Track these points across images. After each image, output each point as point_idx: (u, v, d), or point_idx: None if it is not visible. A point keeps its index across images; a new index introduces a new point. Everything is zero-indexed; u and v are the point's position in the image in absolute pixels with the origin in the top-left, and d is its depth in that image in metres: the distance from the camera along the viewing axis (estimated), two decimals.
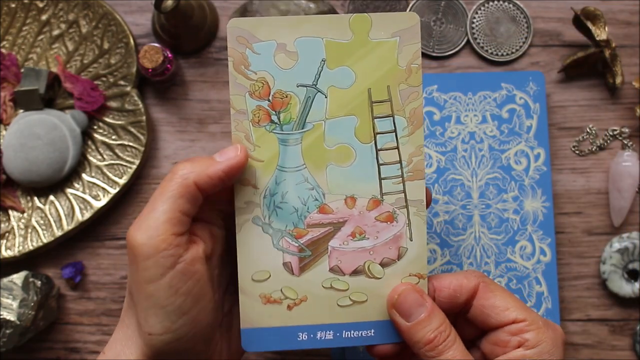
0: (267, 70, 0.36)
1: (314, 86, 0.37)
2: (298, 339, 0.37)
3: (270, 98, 0.36)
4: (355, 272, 0.37)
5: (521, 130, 0.51)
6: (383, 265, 0.37)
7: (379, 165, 0.37)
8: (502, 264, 0.50)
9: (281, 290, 0.37)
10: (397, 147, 0.37)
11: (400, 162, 0.37)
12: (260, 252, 0.37)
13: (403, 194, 0.37)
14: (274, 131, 0.37)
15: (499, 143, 0.51)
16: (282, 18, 0.36)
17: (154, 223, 0.35)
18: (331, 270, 0.37)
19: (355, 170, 0.37)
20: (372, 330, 0.37)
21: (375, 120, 0.37)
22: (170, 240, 0.35)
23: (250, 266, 0.37)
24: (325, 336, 0.37)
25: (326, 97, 0.36)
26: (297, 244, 0.37)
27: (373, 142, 0.37)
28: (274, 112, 0.37)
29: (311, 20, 0.36)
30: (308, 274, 0.37)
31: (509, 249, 0.50)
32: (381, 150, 0.37)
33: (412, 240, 0.38)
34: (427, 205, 0.38)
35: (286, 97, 0.36)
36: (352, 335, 0.37)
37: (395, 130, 0.37)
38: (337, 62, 0.36)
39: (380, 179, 0.37)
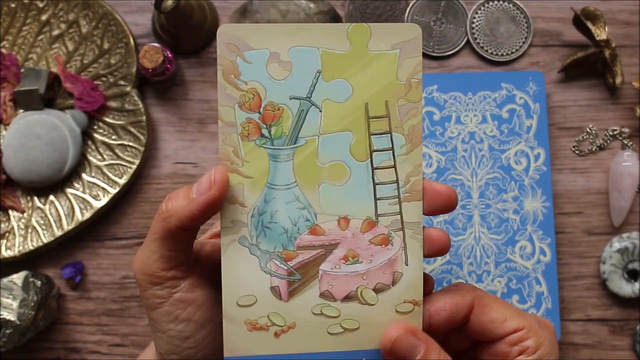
0: (259, 80, 0.34)
1: (307, 99, 0.34)
2: None
3: (261, 110, 0.34)
4: (348, 298, 0.35)
5: (521, 130, 0.51)
6: (377, 290, 0.35)
7: (374, 184, 0.35)
8: (502, 263, 0.50)
9: (268, 316, 0.35)
10: (394, 166, 0.35)
11: (397, 181, 0.35)
12: (246, 275, 0.35)
13: (399, 215, 0.35)
14: (264, 146, 0.34)
15: (499, 143, 0.51)
16: (276, 25, 0.34)
17: (146, 260, 0.36)
18: (322, 295, 0.35)
19: (349, 189, 0.35)
20: None
21: (371, 136, 0.35)
22: (162, 275, 0.35)
23: (235, 290, 0.35)
24: None
25: (320, 111, 0.34)
26: (286, 267, 0.35)
27: (369, 159, 0.35)
28: (264, 126, 0.34)
29: (307, 29, 0.34)
30: (297, 299, 0.35)
31: (509, 249, 0.50)
32: (377, 168, 0.35)
33: (407, 265, 0.35)
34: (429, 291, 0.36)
35: (278, 109, 0.34)
36: None
37: (392, 148, 0.35)
38: (334, 74, 0.34)
39: (376, 199, 0.35)
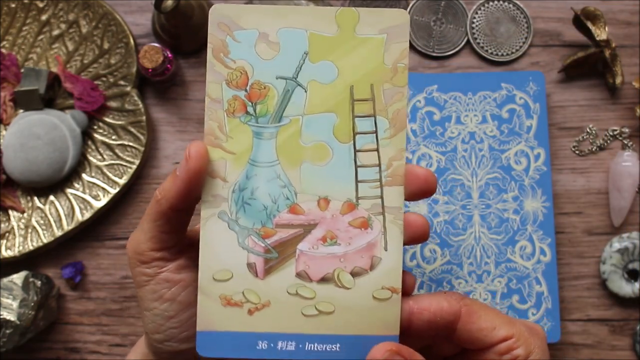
0: (247, 59, 0.35)
1: (293, 79, 0.35)
2: (257, 347, 0.35)
3: (247, 88, 0.35)
4: (324, 280, 0.35)
5: (521, 130, 0.51)
6: (354, 274, 0.35)
7: (356, 167, 0.35)
8: (502, 264, 0.50)
9: (243, 292, 0.35)
10: (377, 149, 0.35)
11: (379, 165, 0.35)
12: (223, 250, 0.35)
13: (380, 199, 0.35)
14: (249, 123, 0.35)
15: (499, 143, 0.51)
16: (267, 7, 0.35)
17: (139, 239, 0.37)
18: (297, 275, 0.35)
19: (331, 170, 0.35)
20: (338, 345, 0.35)
21: (355, 119, 0.35)
22: (151, 255, 0.37)
23: (212, 264, 0.35)
24: (286, 347, 0.35)
25: (306, 92, 0.35)
26: (263, 244, 0.35)
27: (352, 142, 0.35)
28: (250, 103, 0.35)
29: (296, 11, 0.35)
30: (273, 278, 0.35)
31: (509, 249, 0.50)
32: (360, 151, 0.35)
33: (387, 251, 0.35)
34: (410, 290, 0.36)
35: (264, 88, 0.35)
36: (315, 349, 0.35)
37: (376, 132, 0.35)
38: (320, 55, 0.34)
39: (357, 181, 0.35)
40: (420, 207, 0.50)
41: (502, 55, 0.55)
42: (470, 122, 0.51)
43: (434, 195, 0.51)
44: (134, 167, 0.53)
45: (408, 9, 0.55)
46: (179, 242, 0.37)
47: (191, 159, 0.34)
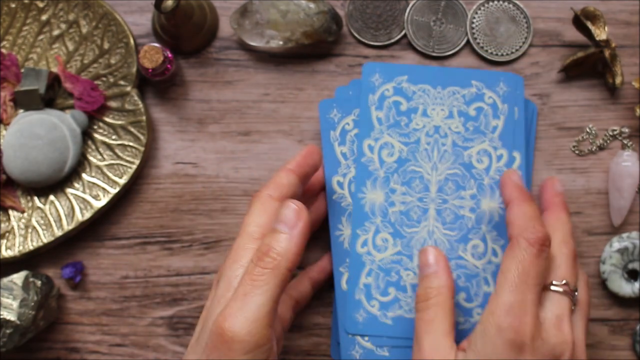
0: None
1: None
2: None
3: None
4: None
5: (486, 130, 0.50)
6: None
7: None
8: (452, 260, 0.49)
9: None
10: None
11: None
12: None
13: None
14: None
15: (463, 140, 0.50)
16: None
17: (253, 315, 0.34)
18: None
19: None
20: None
21: None
22: (268, 335, 0.34)
23: None
24: None
25: None
26: None
27: None
28: None
29: None
30: None
31: (461, 246, 0.49)
32: None
33: None
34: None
35: None
36: None
37: None
38: None
39: None
40: (377, 195, 0.50)
41: (502, 55, 0.55)
42: (436, 116, 0.50)
43: (392, 184, 0.50)
44: (134, 167, 0.53)
45: (408, 9, 0.55)
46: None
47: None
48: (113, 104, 0.54)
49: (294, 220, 0.35)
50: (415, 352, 0.41)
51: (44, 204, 0.54)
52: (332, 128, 0.51)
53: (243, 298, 0.34)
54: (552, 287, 0.40)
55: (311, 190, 0.50)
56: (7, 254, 0.53)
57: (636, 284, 0.52)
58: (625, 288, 0.52)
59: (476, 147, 0.50)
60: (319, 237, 0.52)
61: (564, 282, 0.41)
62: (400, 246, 0.49)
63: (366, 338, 0.48)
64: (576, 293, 0.42)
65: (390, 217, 0.50)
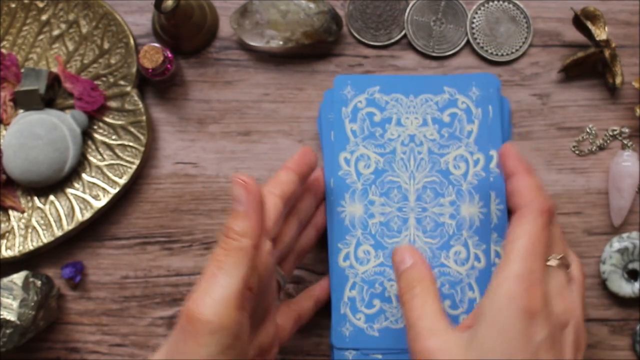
0: None
1: None
2: None
3: None
4: None
5: (461, 135, 0.50)
6: None
7: None
8: (435, 268, 0.48)
9: None
10: None
11: None
12: None
13: None
14: None
15: (439, 147, 0.50)
16: None
17: (219, 296, 0.33)
18: None
19: None
20: None
21: None
22: (234, 316, 0.34)
23: None
24: None
25: None
26: None
27: None
28: None
29: None
30: None
31: (443, 254, 0.49)
32: None
33: None
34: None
35: None
36: None
37: None
38: None
39: None
40: (357, 208, 0.49)
41: (502, 55, 0.55)
42: (410, 125, 0.50)
43: (371, 196, 0.50)
44: (134, 167, 0.53)
45: (408, 9, 0.55)
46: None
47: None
48: (113, 104, 0.54)
49: (245, 195, 0.35)
50: (413, 339, 0.39)
51: (44, 204, 0.54)
52: (345, 104, 0.51)
53: (208, 280, 0.34)
54: (551, 262, 0.40)
55: (315, 193, 0.50)
56: (7, 254, 0.53)
57: (636, 284, 0.52)
58: (625, 288, 0.52)
59: (452, 153, 0.49)
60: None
61: (561, 255, 0.41)
62: (382, 257, 0.49)
63: (353, 352, 0.48)
64: (569, 270, 0.42)
65: (371, 228, 0.49)
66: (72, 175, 0.54)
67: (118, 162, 0.54)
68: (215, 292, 0.34)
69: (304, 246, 0.50)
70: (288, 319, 0.48)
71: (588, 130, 0.54)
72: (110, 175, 0.54)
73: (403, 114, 0.50)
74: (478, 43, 0.55)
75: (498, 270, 0.39)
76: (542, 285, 0.38)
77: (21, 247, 0.53)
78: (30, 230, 0.53)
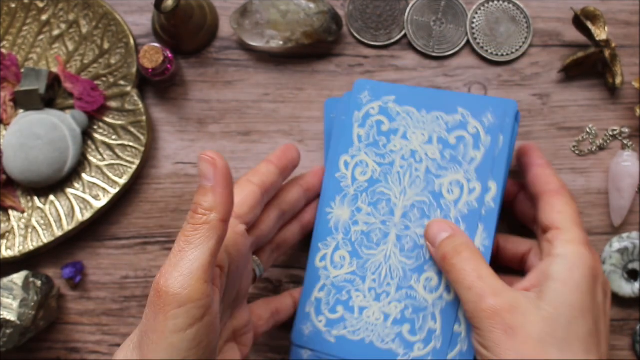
0: None
1: None
2: None
3: None
4: None
5: (464, 160, 0.47)
6: None
7: None
8: (403, 289, 0.47)
9: None
10: None
11: None
12: None
13: None
14: None
15: (437, 167, 0.48)
16: None
17: (186, 269, 0.34)
18: None
19: None
20: None
21: None
22: (203, 289, 0.34)
23: None
24: None
25: None
26: None
27: None
28: None
29: None
30: None
31: (414, 277, 0.47)
32: None
33: None
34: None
35: None
36: None
37: None
38: None
39: None
40: (344, 212, 0.49)
41: (502, 55, 0.55)
42: (415, 140, 0.48)
43: (360, 203, 0.49)
44: (134, 167, 0.53)
45: (408, 9, 0.55)
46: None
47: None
48: (113, 104, 0.54)
49: (211, 170, 0.35)
50: (475, 301, 0.40)
51: (44, 204, 0.54)
52: (358, 109, 0.50)
53: (177, 254, 0.34)
54: None
55: (307, 189, 0.50)
56: (7, 254, 0.53)
57: (636, 284, 0.52)
58: (625, 288, 0.52)
59: (449, 177, 0.47)
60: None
61: None
62: (355, 266, 0.48)
63: (309, 352, 0.48)
64: None
65: (352, 235, 0.49)
66: (72, 175, 0.54)
67: (118, 162, 0.54)
68: (183, 266, 0.34)
69: (286, 239, 0.50)
70: (266, 310, 0.48)
71: (588, 130, 0.54)
72: (110, 175, 0.54)
73: (410, 128, 0.49)
74: (478, 43, 0.55)
75: (555, 237, 0.43)
76: (596, 254, 0.42)
77: (21, 247, 0.53)
78: (30, 230, 0.53)
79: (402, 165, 0.48)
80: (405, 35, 0.55)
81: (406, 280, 0.47)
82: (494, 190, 0.46)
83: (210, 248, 0.35)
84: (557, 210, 0.44)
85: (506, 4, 0.55)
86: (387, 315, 0.47)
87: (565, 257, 0.41)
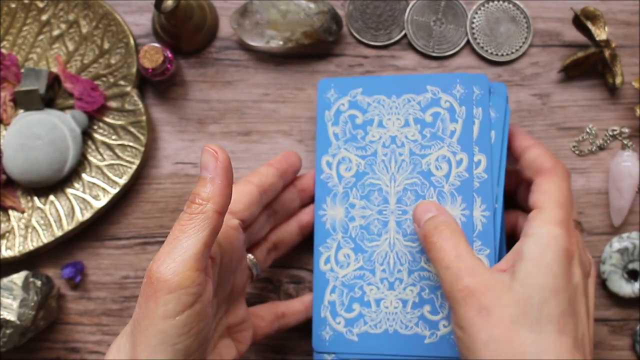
0: None
1: None
2: None
3: None
4: None
5: (444, 135, 0.48)
6: None
7: None
8: (415, 272, 0.47)
9: None
10: None
11: None
12: None
13: None
14: None
15: (420, 147, 0.48)
16: None
17: (179, 257, 0.34)
18: None
19: None
20: None
21: None
22: (194, 277, 0.34)
23: None
24: None
25: None
26: None
27: None
28: None
29: None
30: None
31: (423, 257, 0.47)
32: None
33: None
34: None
35: None
36: None
37: None
38: None
39: None
40: (337, 211, 0.49)
41: (502, 55, 0.55)
42: (392, 126, 0.49)
43: (351, 199, 0.49)
44: (134, 167, 0.53)
45: (408, 9, 0.55)
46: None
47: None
48: (113, 104, 0.54)
49: (213, 162, 0.36)
50: (451, 281, 0.40)
51: (44, 204, 0.54)
52: (328, 108, 0.50)
53: (171, 242, 0.35)
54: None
55: (301, 189, 0.51)
56: (7, 254, 0.53)
57: (636, 284, 0.52)
58: (625, 288, 0.52)
59: (434, 153, 0.48)
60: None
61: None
62: (362, 261, 0.48)
63: (333, 356, 0.48)
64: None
65: (351, 232, 0.49)
66: (72, 175, 0.54)
67: (118, 162, 0.54)
68: (176, 253, 0.34)
69: (284, 240, 0.50)
70: (269, 312, 0.48)
71: (588, 130, 0.54)
72: (110, 175, 0.54)
73: (385, 116, 0.49)
74: (478, 43, 0.55)
75: (533, 217, 0.42)
76: (574, 231, 0.42)
77: (21, 247, 0.53)
78: (30, 230, 0.53)
79: (385, 153, 0.49)
80: (405, 35, 0.55)
81: (416, 263, 0.47)
82: (484, 162, 0.47)
83: (204, 237, 0.35)
84: (542, 190, 0.43)
85: (506, 4, 0.55)
86: (405, 301, 0.47)
87: (538, 237, 0.40)
